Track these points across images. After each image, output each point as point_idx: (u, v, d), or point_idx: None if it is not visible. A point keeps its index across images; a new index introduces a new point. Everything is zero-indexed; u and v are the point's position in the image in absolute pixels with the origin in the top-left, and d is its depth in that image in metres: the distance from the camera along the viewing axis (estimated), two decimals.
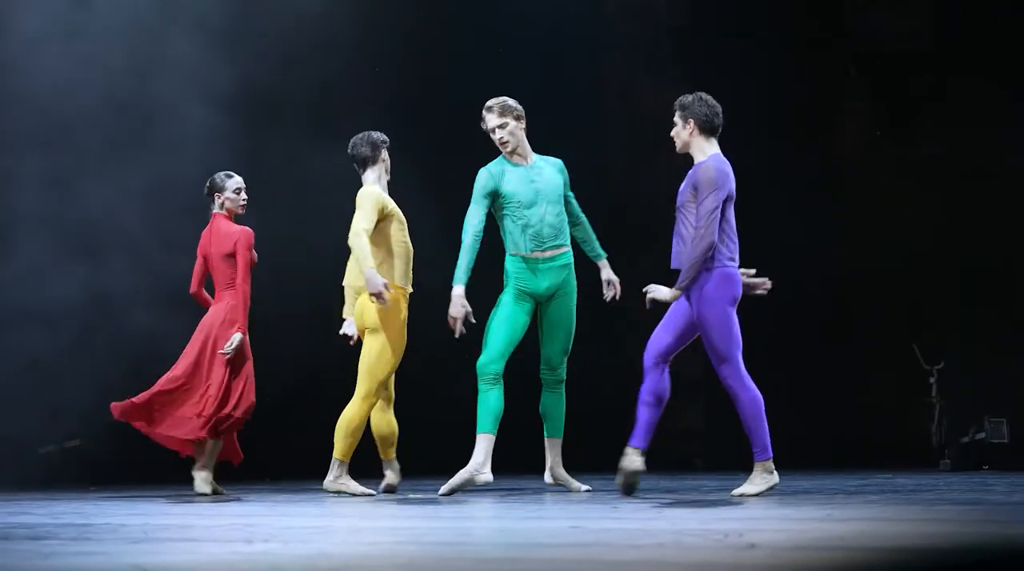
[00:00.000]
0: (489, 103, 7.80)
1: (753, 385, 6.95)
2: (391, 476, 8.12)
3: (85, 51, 9.81)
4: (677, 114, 7.05)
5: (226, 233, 8.37)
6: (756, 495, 6.92)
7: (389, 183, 8.10)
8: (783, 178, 11.45)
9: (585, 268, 8.03)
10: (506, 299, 7.72)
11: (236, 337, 8.26)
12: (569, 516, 5.87)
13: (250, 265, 8.36)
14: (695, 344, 7.07)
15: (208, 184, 8.51)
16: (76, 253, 9.80)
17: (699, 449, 11.37)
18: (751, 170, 11.51)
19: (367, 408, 7.75)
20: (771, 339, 11.41)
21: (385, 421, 8.05)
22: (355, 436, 7.80)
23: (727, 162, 6.98)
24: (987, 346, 10.07)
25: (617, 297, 8.01)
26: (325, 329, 8.47)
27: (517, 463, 8.52)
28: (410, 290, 7.89)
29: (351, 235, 7.65)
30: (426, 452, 9.65)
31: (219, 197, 8.45)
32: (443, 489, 7.61)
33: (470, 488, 7.55)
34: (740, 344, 6.93)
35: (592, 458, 9.26)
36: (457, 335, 7.49)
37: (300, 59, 10.67)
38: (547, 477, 7.96)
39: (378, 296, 7.46)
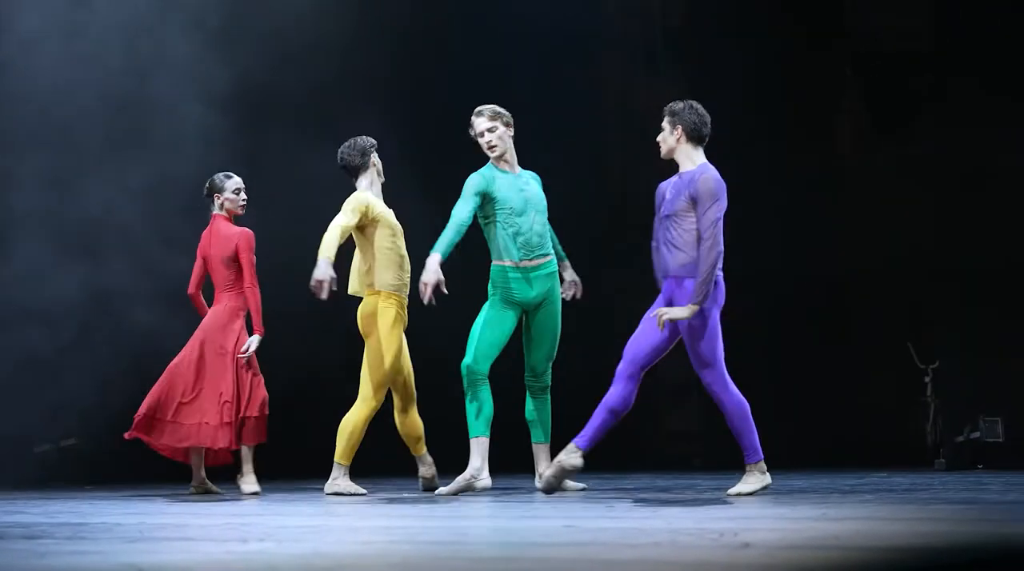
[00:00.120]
0: (479, 108, 7.82)
1: (737, 390, 6.97)
2: (425, 470, 8.15)
3: (84, 50, 9.81)
4: (666, 119, 7.07)
5: (226, 235, 8.37)
6: (750, 494, 6.94)
7: (384, 185, 8.12)
8: (782, 178, 11.45)
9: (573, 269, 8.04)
10: (491, 305, 7.72)
11: (255, 339, 8.28)
12: (564, 515, 5.87)
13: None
14: (679, 347, 7.06)
15: (207, 185, 8.51)
16: (75, 252, 9.80)
17: (697, 449, 11.37)
18: (750, 170, 11.54)
19: (367, 412, 7.81)
20: (767, 338, 11.42)
21: (409, 421, 8.06)
22: (354, 439, 7.83)
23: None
24: (982, 345, 10.06)
25: (578, 296, 8.00)
26: (323, 329, 8.47)
27: (512, 463, 8.51)
28: (404, 295, 7.91)
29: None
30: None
31: (218, 198, 8.46)
32: (441, 490, 7.63)
33: (468, 492, 7.56)
34: (723, 351, 6.94)
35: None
36: (426, 301, 7.44)
37: (299, 58, 10.66)
38: (538, 483, 7.94)
39: (317, 285, 7.45)
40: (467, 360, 7.63)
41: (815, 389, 11.32)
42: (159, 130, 10.03)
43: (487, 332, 7.65)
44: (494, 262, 7.75)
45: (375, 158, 8.06)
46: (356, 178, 8.05)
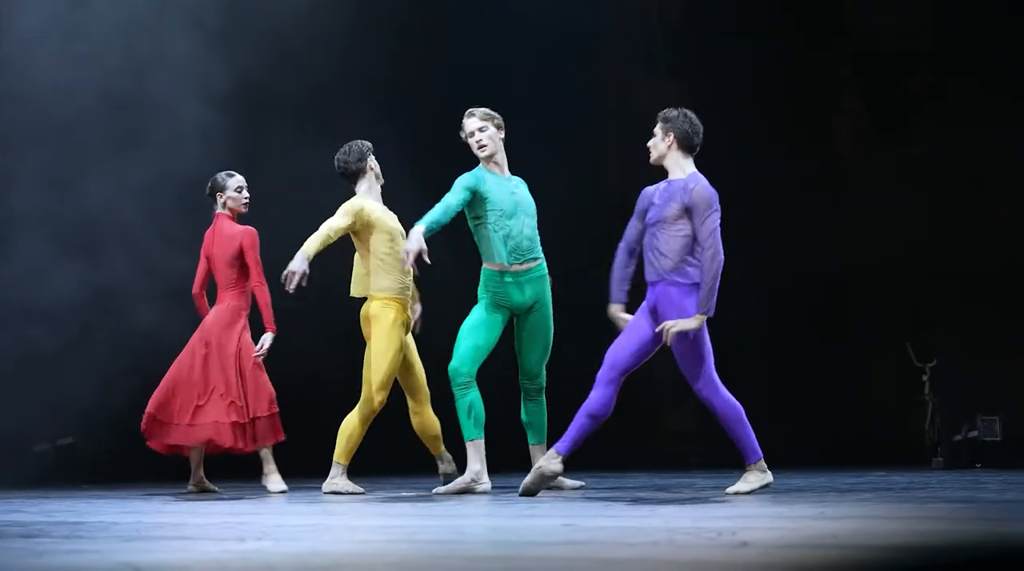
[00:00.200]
0: (471, 110, 7.82)
1: (728, 394, 6.97)
2: (444, 467, 8.14)
3: (83, 50, 9.80)
4: (659, 126, 7.09)
5: (229, 234, 8.37)
6: (749, 492, 6.95)
7: (384, 185, 8.12)
8: (782, 178, 11.45)
9: (565, 270, 8.03)
10: (479, 308, 7.69)
11: (268, 337, 8.27)
12: (562, 514, 5.87)
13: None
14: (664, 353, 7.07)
15: (209, 184, 8.51)
16: (74, 251, 9.79)
17: (695, 448, 11.37)
18: (750, 170, 11.56)
19: (367, 413, 7.84)
20: (767, 337, 11.42)
21: (425, 420, 8.06)
22: (353, 439, 7.85)
23: None
24: (980, 345, 10.07)
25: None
26: (322, 329, 8.47)
27: (511, 462, 8.50)
28: (402, 297, 7.91)
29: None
30: (423, 450, 9.66)
31: (221, 197, 8.46)
32: (438, 490, 7.64)
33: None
34: (712, 356, 6.94)
35: (581, 457, 9.26)
36: (406, 268, 7.42)
37: (298, 56, 10.65)
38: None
39: (287, 276, 7.51)
40: (453, 363, 7.60)
41: (814, 388, 11.32)
42: (159, 129, 10.03)
43: (473, 335, 7.61)
44: (484, 265, 7.73)
45: (372, 161, 8.06)
46: (355, 183, 8.06)
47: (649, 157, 7.14)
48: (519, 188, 7.81)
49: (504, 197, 7.67)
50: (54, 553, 4.44)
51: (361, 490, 7.88)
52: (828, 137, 11.90)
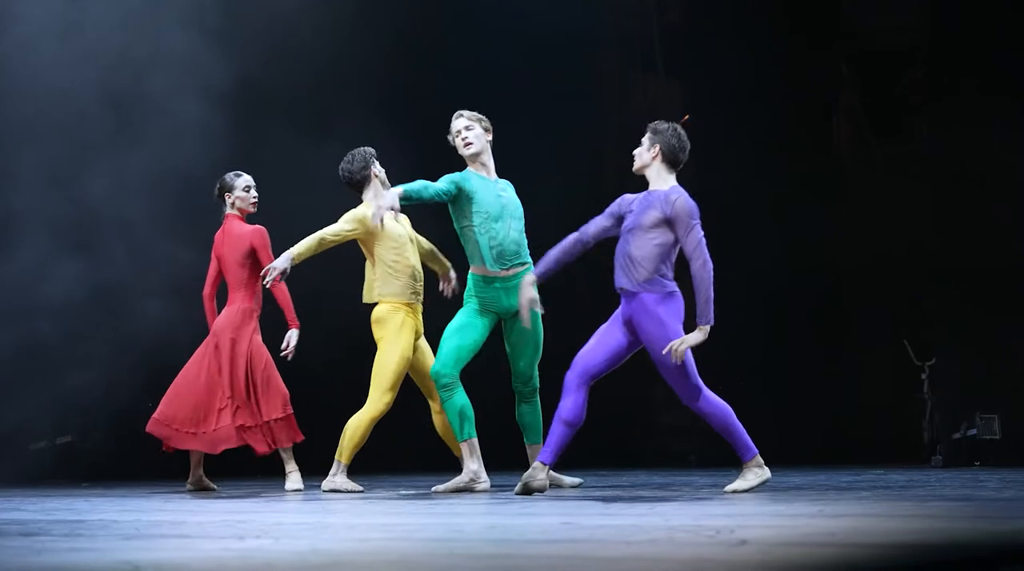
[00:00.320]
0: (459, 111, 7.81)
1: (715, 396, 6.99)
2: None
3: (82, 47, 9.80)
4: (647, 136, 7.11)
5: (238, 234, 8.37)
6: (748, 490, 6.96)
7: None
8: (780, 176, 11.45)
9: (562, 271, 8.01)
10: (465, 310, 7.67)
11: (294, 334, 8.27)
12: (561, 513, 5.87)
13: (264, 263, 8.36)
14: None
15: (217, 185, 8.51)
16: (76, 249, 9.80)
17: (693, 446, 11.38)
18: (748, 169, 11.57)
19: (373, 413, 7.87)
20: (765, 336, 11.43)
21: (443, 420, 8.06)
22: (356, 439, 7.86)
23: None
24: (979, 342, 10.07)
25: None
26: (324, 328, 8.47)
27: (509, 461, 8.51)
28: (412, 302, 7.92)
29: None
30: (423, 449, 9.66)
31: (229, 197, 8.46)
32: (437, 488, 7.65)
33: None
34: (694, 363, 6.94)
35: (581, 456, 9.27)
36: (375, 223, 7.43)
37: (298, 55, 10.66)
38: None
39: (266, 271, 7.69)
40: (435, 366, 7.58)
41: (813, 387, 11.34)
42: (159, 126, 10.03)
43: (457, 336, 7.58)
44: (471, 270, 7.71)
45: (377, 168, 8.05)
46: (361, 192, 8.06)
47: (633, 164, 7.16)
48: (507, 191, 7.77)
49: (490, 199, 7.63)
50: (53, 551, 4.44)
51: (360, 489, 7.89)
52: (826, 136, 11.90)
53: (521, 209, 7.76)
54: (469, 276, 7.72)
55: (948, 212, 10.66)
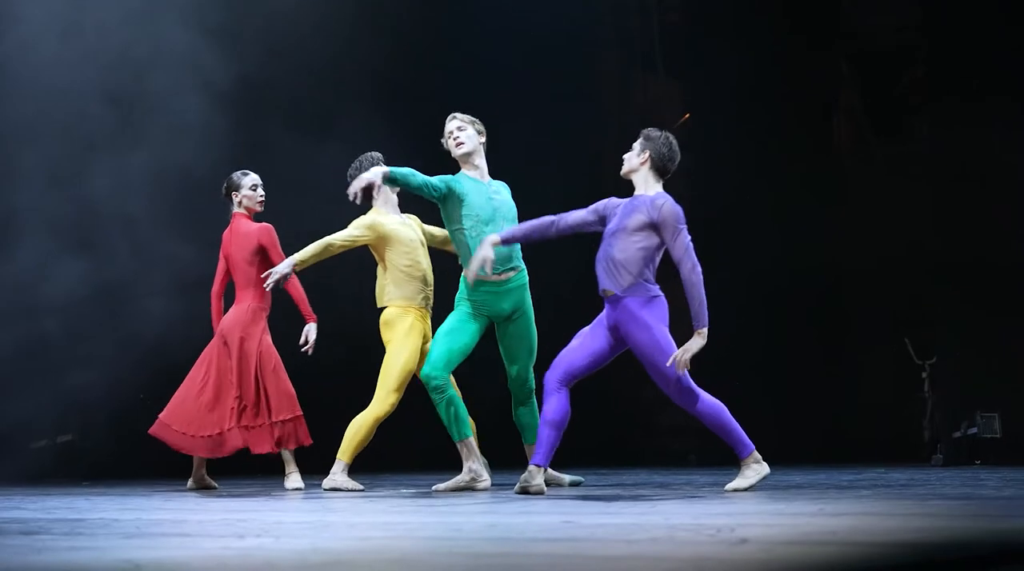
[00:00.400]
0: (453, 114, 7.80)
1: (707, 395, 7.00)
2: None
3: (84, 45, 9.80)
4: (639, 141, 7.13)
5: (246, 232, 8.37)
6: (748, 488, 6.97)
7: (398, 193, 8.12)
8: (780, 176, 11.45)
9: (561, 270, 8.02)
10: (456, 313, 7.64)
11: (312, 327, 8.27)
12: (561, 511, 5.87)
13: (271, 262, 8.36)
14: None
15: (225, 185, 8.51)
16: (77, 247, 9.79)
17: (693, 445, 11.39)
18: (747, 168, 11.57)
19: (378, 414, 7.89)
20: (766, 335, 11.43)
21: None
22: (359, 438, 7.86)
23: None
24: (980, 342, 10.08)
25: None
26: (327, 328, 8.46)
27: (510, 459, 8.51)
28: (422, 306, 7.93)
29: None
30: (424, 448, 9.67)
31: (236, 196, 8.46)
32: (437, 487, 7.65)
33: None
34: None
35: (578, 455, 9.28)
36: (349, 191, 7.41)
37: (301, 53, 10.66)
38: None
39: (267, 274, 7.79)
40: (424, 368, 7.56)
41: (813, 386, 11.34)
42: (160, 125, 10.03)
43: (447, 339, 7.55)
44: (463, 273, 7.68)
45: None
46: (370, 197, 8.07)
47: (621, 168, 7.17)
48: (499, 193, 7.72)
49: (481, 202, 7.58)
50: (54, 550, 4.44)
51: (361, 487, 7.90)
52: (826, 136, 11.91)
53: (515, 211, 7.70)
54: (461, 278, 7.69)
55: (948, 212, 10.67)
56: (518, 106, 11.02)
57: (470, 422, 8.10)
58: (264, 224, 8.40)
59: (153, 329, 9.66)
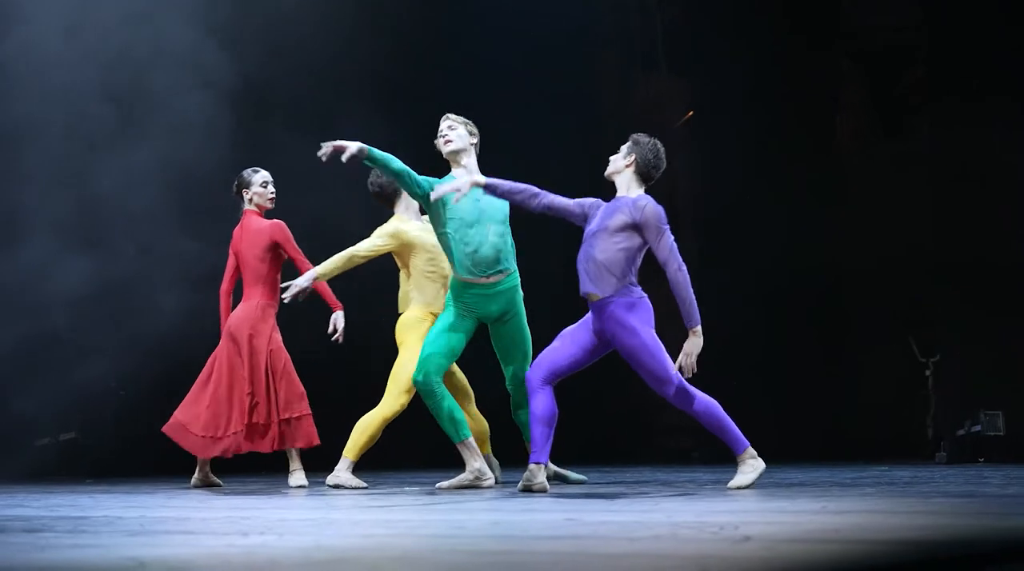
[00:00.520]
0: (447, 114, 7.79)
1: (700, 393, 7.00)
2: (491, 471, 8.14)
3: (87, 42, 9.80)
4: (627, 144, 7.14)
5: (256, 229, 8.37)
6: (750, 485, 6.97)
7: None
8: (781, 175, 11.44)
9: (560, 270, 8.00)
10: (446, 314, 7.60)
11: (339, 316, 8.26)
12: (564, 509, 5.87)
13: (282, 259, 8.37)
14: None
15: (236, 182, 8.52)
16: (81, 244, 9.80)
17: (696, 442, 11.38)
18: (746, 165, 11.56)
19: (387, 413, 7.90)
20: (768, 335, 11.42)
21: (470, 420, 8.07)
22: (367, 436, 7.87)
23: None
24: (983, 339, 10.07)
25: None
26: (326, 328, 8.47)
27: (512, 457, 8.52)
28: (440, 309, 7.94)
29: None
30: (427, 446, 9.67)
31: (247, 193, 8.47)
32: (440, 484, 7.65)
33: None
34: (672, 362, 6.94)
35: (581, 452, 9.27)
36: (321, 152, 7.42)
37: (299, 53, 10.66)
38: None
39: (287, 287, 7.79)
40: (416, 375, 7.53)
41: (813, 386, 11.33)
42: (163, 123, 10.03)
43: (436, 342, 7.52)
44: (452, 275, 7.65)
45: None
46: (392, 205, 8.06)
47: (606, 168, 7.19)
48: (486, 193, 7.62)
49: (466, 204, 7.49)
50: (57, 547, 4.44)
51: (364, 485, 7.90)
52: (828, 135, 11.90)
53: (505, 212, 7.61)
54: (451, 281, 7.67)
55: (948, 212, 10.67)
56: (518, 106, 11.02)
57: (484, 425, 8.12)
58: (276, 221, 8.41)
59: (158, 327, 9.67)
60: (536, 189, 7.16)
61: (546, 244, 8.42)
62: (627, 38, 12.30)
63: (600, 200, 7.15)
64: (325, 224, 9.45)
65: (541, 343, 7.57)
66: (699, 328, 6.91)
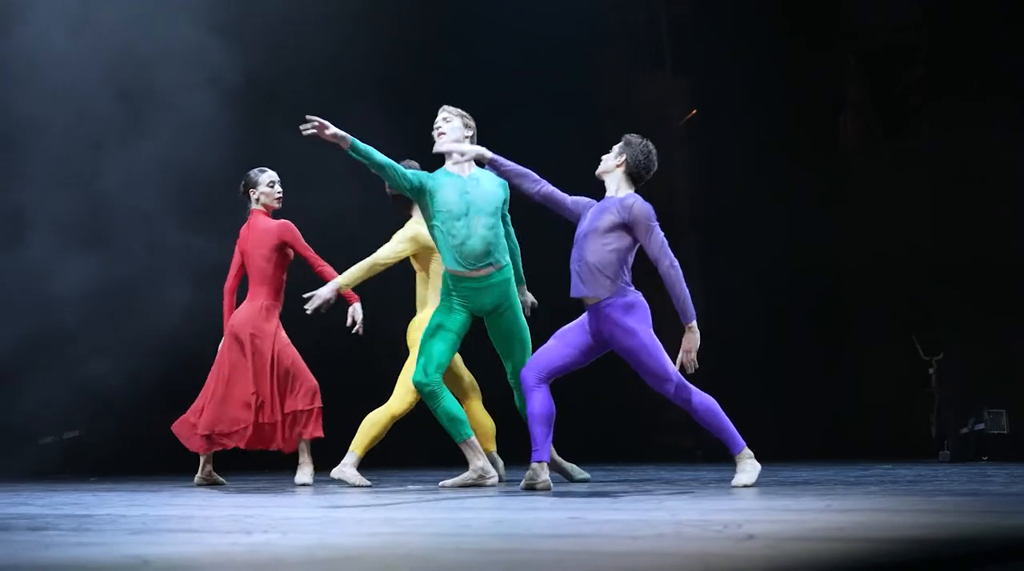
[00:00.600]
0: (444, 106, 7.78)
1: (699, 392, 7.00)
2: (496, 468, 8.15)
3: (92, 40, 9.81)
4: (619, 144, 7.13)
5: (264, 229, 8.37)
6: (754, 483, 6.97)
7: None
8: (783, 174, 11.44)
9: (562, 269, 7.98)
10: (439, 310, 7.57)
11: (357, 307, 8.24)
12: (568, 507, 5.87)
13: (288, 259, 8.37)
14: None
15: (243, 182, 8.52)
16: (86, 243, 9.80)
17: (700, 441, 11.38)
18: (748, 164, 11.55)
19: (395, 411, 7.93)
20: (771, 334, 11.42)
21: (473, 417, 8.08)
22: (375, 433, 7.89)
23: None
24: (983, 339, 10.08)
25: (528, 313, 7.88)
26: (335, 324, 8.47)
27: (516, 455, 8.51)
28: None
29: None
30: (431, 444, 9.67)
31: (254, 193, 8.47)
32: (444, 483, 7.65)
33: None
34: (670, 361, 6.94)
35: (584, 450, 9.27)
36: (303, 126, 7.40)
37: (299, 53, 10.66)
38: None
39: (310, 298, 7.72)
40: (415, 376, 7.51)
41: (813, 386, 11.33)
42: (167, 121, 10.03)
43: (433, 342, 7.49)
44: (444, 268, 7.62)
45: None
46: (409, 208, 8.06)
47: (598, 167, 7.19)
48: (478, 186, 7.53)
49: (454, 197, 7.45)
50: (61, 546, 4.45)
51: (368, 483, 7.90)
52: (829, 135, 11.90)
53: (497, 204, 7.53)
54: (443, 274, 7.65)
55: (948, 212, 10.68)
56: (519, 105, 11.01)
57: (490, 422, 8.12)
58: (283, 221, 8.40)
59: (161, 325, 9.67)
60: (537, 176, 7.18)
61: (546, 244, 8.40)
62: (632, 36, 12.29)
63: (592, 200, 7.15)
64: (325, 221, 9.45)
65: (541, 343, 7.58)
66: (695, 323, 6.90)
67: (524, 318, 7.69)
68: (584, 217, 7.06)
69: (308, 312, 7.77)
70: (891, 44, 11.65)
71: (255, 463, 9.52)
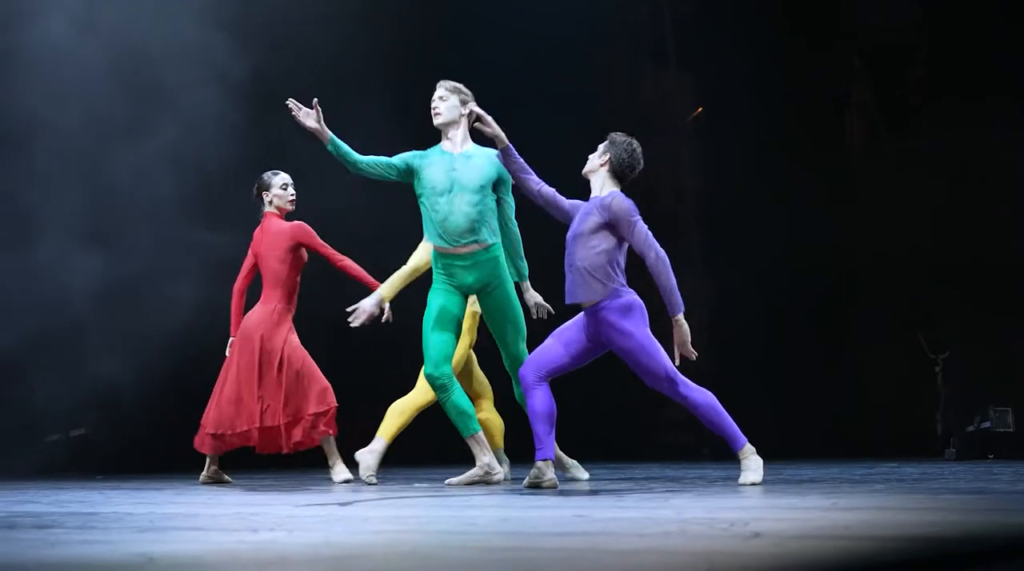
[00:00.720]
0: (442, 81, 7.74)
1: (698, 388, 7.00)
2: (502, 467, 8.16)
3: (97, 39, 9.82)
4: (604, 144, 7.12)
5: (277, 231, 8.37)
6: (760, 481, 6.97)
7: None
8: (785, 174, 11.44)
9: (551, 268, 7.98)
10: (433, 297, 7.55)
11: (386, 304, 8.24)
12: (574, 505, 5.87)
13: (302, 261, 8.36)
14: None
15: (256, 185, 8.52)
16: (93, 241, 9.81)
17: (706, 438, 11.38)
18: (749, 163, 11.55)
19: (422, 401, 8.01)
20: (775, 333, 11.42)
21: (481, 416, 8.09)
22: (402, 420, 7.97)
23: None
24: (993, 335, 10.07)
25: (544, 316, 7.89)
26: (342, 322, 8.48)
27: (520, 453, 8.52)
28: (475, 309, 7.96)
29: None
30: (437, 442, 9.68)
31: (267, 195, 8.47)
32: (450, 481, 7.66)
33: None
34: (668, 359, 6.93)
35: (590, 448, 9.27)
36: (290, 103, 7.43)
37: (300, 53, 10.67)
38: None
39: (356, 312, 7.69)
40: (427, 368, 7.49)
41: (813, 386, 11.33)
42: (177, 118, 10.04)
43: (435, 334, 7.47)
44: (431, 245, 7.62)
45: None
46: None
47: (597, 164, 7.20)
48: (467, 163, 7.49)
49: (439, 174, 7.45)
50: (67, 544, 4.45)
51: (375, 481, 7.89)
52: (833, 134, 11.89)
53: (483, 181, 7.46)
54: (432, 253, 7.61)
55: (949, 212, 10.68)
56: (519, 105, 11.00)
57: (499, 420, 8.13)
58: (297, 222, 8.40)
59: (170, 323, 9.67)
60: (540, 179, 7.21)
61: (546, 243, 8.40)
62: (632, 35, 12.29)
63: (581, 202, 7.14)
64: (327, 221, 9.45)
65: (541, 342, 7.60)
66: (682, 316, 6.89)
67: (518, 301, 7.66)
68: (573, 220, 7.06)
69: (353, 326, 7.69)
70: (891, 44, 11.65)
71: (261, 462, 9.53)
